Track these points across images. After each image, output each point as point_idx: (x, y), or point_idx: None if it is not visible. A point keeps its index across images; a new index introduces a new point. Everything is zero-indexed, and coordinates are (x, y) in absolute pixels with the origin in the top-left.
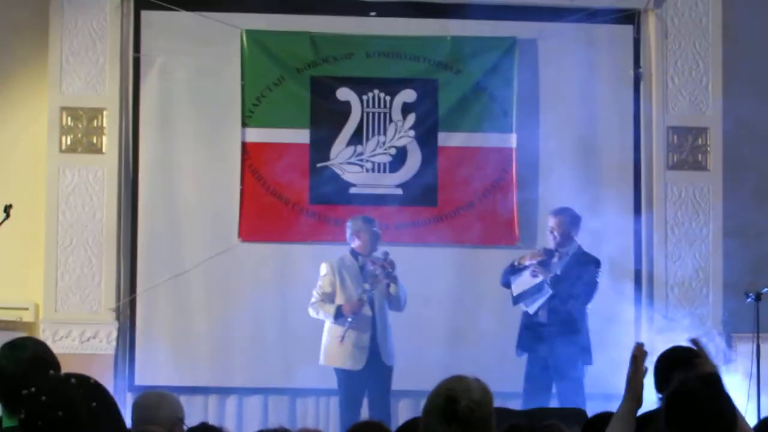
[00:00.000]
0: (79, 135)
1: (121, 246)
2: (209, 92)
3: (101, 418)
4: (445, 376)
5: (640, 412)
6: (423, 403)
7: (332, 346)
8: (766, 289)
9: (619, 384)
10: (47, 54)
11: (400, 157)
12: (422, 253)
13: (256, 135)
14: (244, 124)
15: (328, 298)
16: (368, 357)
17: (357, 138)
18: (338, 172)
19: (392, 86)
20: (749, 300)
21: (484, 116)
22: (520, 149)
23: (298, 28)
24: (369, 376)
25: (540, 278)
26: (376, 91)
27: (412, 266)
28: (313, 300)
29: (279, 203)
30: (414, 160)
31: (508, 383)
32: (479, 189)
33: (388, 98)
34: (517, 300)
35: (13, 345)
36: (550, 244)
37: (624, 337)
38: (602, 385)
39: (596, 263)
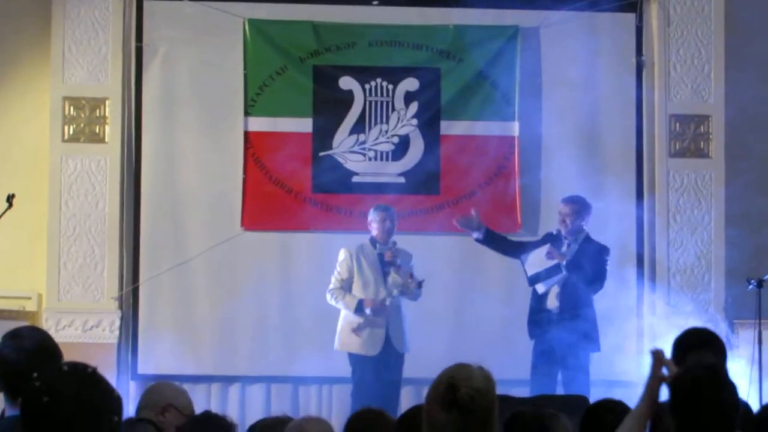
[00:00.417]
0: (82, 124)
1: (123, 235)
2: (212, 81)
3: (89, 405)
4: (448, 364)
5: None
6: (426, 390)
7: (347, 332)
8: (767, 276)
9: (620, 370)
10: (50, 43)
11: (402, 146)
12: (425, 242)
13: (258, 124)
14: (246, 113)
15: (346, 284)
16: (383, 344)
17: (359, 127)
18: (341, 160)
19: (395, 75)
20: (751, 287)
21: (487, 105)
22: (523, 137)
23: (301, 18)
24: (382, 362)
25: (555, 261)
26: (379, 80)
27: (415, 254)
28: (331, 286)
29: (281, 192)
30: (416, 148)
31: (512, 370)
32: (482, 177)
33: (390, 87)
34: (533, 280)
35: (15, 334)
36: (562, 231)
37: (626, 323)
38: (604, 372)
39: (606, 251)
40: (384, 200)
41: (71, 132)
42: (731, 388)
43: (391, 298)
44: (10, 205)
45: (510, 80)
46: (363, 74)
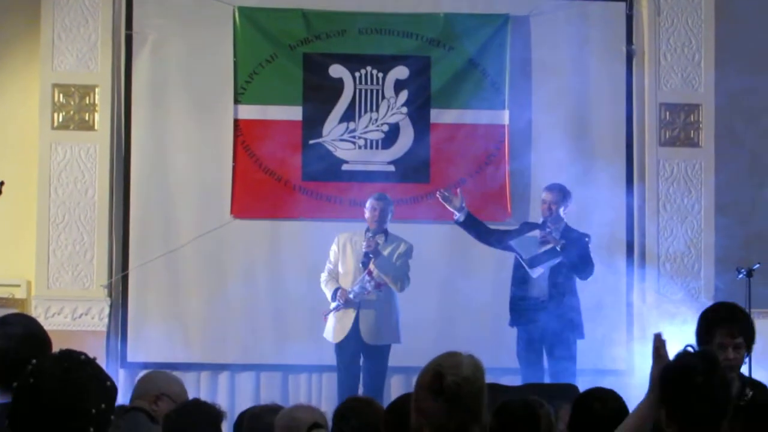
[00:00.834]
0: (71, 112)
1: (113, 223)
2: (201, 69)
3: (73, 388)
4: (437, 352)
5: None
6: (415, 378)
7: (329, 321)
8: (757, 265)
9: (609, 359)
10: (39, 31)
11: (392, 134)
12: (414, 230)
13: (248, 112)
14: (236, 101)
15: (334, 271)
16: (348, 332)
17: (349, 115)
18: (331, 148)
19: (385, 63)
20: (741, 276)
21: (477, 93)
22: (513, 126)
23: (291, 5)
24: (348, 350)
25: (551, 245)
26: (369, 68)
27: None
28: (322, 274)
29: (271, 180)
30: (406, 136)
31: (501, 359)
32: (471, 165)
33: (380, 75)
34: (532, 263)
35: (4, 321)
36: (546, 218)
37: (615, 312)
38: (593, 361)
39: (587, 237)
40: (374, 188)
41: (60, 119)
42: (723, 376)
43: (354, 293)
44: (0, 192)
45: (500, 69)
46: (353, 62)
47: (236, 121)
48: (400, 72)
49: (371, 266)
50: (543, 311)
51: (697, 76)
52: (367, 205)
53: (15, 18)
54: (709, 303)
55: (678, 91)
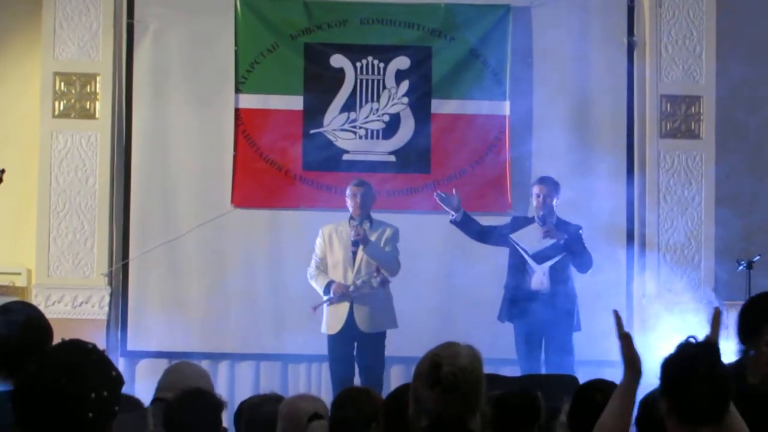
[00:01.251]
0: (73, 100)
1: (113, 211)
2: (203, 58)
3: (72, 375)
4: (436, 343)
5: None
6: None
7: (321, 312)
8: (757, 257)
9: (609, 350)
10: (40, 19)
11: (393, 124)
12: (415, 220)
13: (249, 101)
14: (237, 90)
15: (322, 263)
16: (344, 323)
17: (350, 105)
18: (331, 138)
19: (386, 53)
20: (741, 268)
21: (478, 84)
22: (514, 116)
23: None
24: (344, 341)
25: (553, 240)
26: (370, 58)
27: (405, 233)
28: (309, 269)
29: (272, 169)
30: (407, 127)
31: (500, 350)
32: (472, 156)
33: (381, 65)
34: (540, 259)
35: (5, 309)
36: (538, 212)
37: (615, 303)
38: (593, 352)
39: (581, 228)
40: (374, 178)
41: (62, 108)
42: (724, 367)
43: (355, 286)
44: (0, 180)
45: (501, 59)
46: (354, 52)
47: (237, 111)
48: (401, 62)
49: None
50: (542, 304)
51: (698, 68)
52: (348, 192)
53: (16, 6)
54: (709, 294)
55: (679, 82)
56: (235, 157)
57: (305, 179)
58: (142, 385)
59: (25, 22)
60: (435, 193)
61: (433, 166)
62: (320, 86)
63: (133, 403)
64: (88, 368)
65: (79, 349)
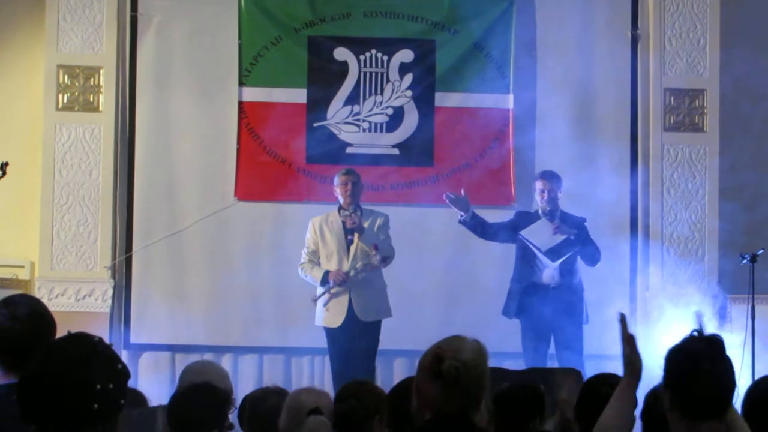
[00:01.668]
0: (76, 93)
1: (117, 204)
2: (206, 51)
3: (78, 363)
4: (440, 336)
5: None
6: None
7: (318, 306)
8: (761, 251)
9: (612, 343)
10: (44, 12)
11: (396, 117)
12: (418, 213)
13: (252, 94)
14: (241, 84)
15: (314, 256)
16: (346, 314)
17: (354, 98)
18: (335, 131)
19: (390, 46)
20: (745, 261)
21: (482, 77)
22: (517, 109)
23: None
24: (347, 333)
25: (564, 236)
26: (374, 51)
27: (408, 226)
28: (301, 261)
29: (275, 162)
30: (411, 120)
31: (505, 343)
32: (476, 149)
33: (385, 58)
34: (552, 256)
35: (9, 302)
36: (545, 207)
37: (619, 296)
38: (595, 345)
39: (585, 219)
40: (378, 171)
41: (65, 100)
42: (728, 362)
43: (356, 270)
44: (4, 173)
45: (505, 52)
46: (358, 45)
47: (241, 104)
48: (405, 55)
49: (374, 242)
50: (551, 298)
51: (702, 61)
52: (337, 181)
53: None
54: (714, 288)
55: (683, 76)
56: (238, 150)
57: (309, 172)
58: (146, 378)
59: (28, 15)
60: (445, 195)
61: (436, 159)
62: (324, 79)
63: (138, 397)
64: (93, 359)
65: (84, 341)
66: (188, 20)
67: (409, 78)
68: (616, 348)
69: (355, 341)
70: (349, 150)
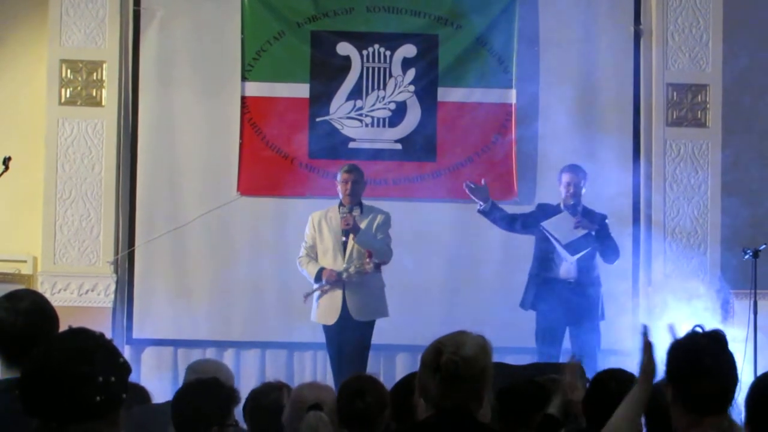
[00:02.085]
0: (79, 88)
1: (119, 199)
2: (209, 46)
3: (81, 356)
4: (443, 331)
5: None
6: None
7: (312, 302)
8: (764, 246)
9: (615, 339)
10: (47, 6)
11: (399, 112)
12: (421, 208)
13: (255, 89)
14: (243, 78)
15: (312, 251)
16: (340, 312)
17: (357, 93)
18: (337, 126)
19: (392, 41)
20: (747, 257)
21: (484, 72)
22: (520, 104)
23: None
24: (341, 331)
25: (585, 231)
26: (377, 46)
27: (411, 221)
28: (299, 255)
29: (278, 157)
30: (413, 115)
31: (509, 338)
32: (478, 144)
33: (388, 53)
34: (572, 250)
35: (11, 297)
36: (569, 201)
37: (621, 291)
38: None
39: (606, 217)
40: (380, 166)
41: (68, 95)
42: (731, 357)
43: (348, 273)
44: (7, 167)
45: (508, 47)
46: (360, 40)
47: (243, 98)
48: (408, 50)
49: (369, 249)
50: (569, 292)
51: (704, 57)
52: (339, 178)
53: None
54: (715, 282)
55: (685, 71)
56: (241, 145)
57: (311, 167)
58: (148, 373)
59: (31, 10)
60: (464, 183)
61: (439, 155)
62: (326, 74)
63: (141, 392)
64: (95, 352)
65: (86, 334)
66: (191, 15)
67: (411, 73)
68: (617, 343)
69: (347, 339)
70: (351, 145)
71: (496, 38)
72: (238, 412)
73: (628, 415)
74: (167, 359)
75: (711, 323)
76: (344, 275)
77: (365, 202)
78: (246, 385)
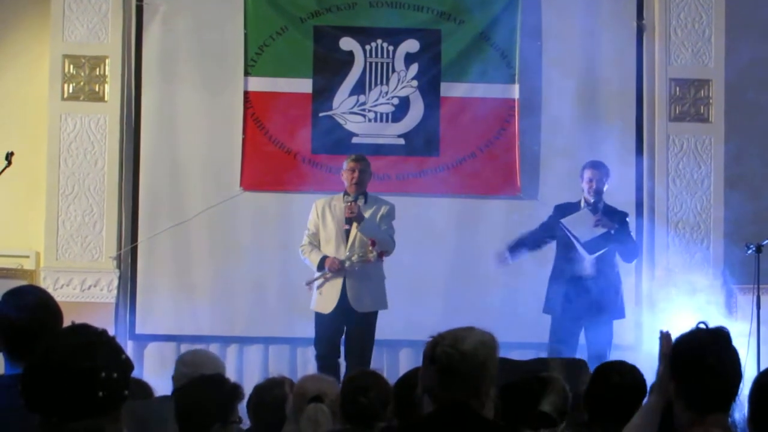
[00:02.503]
0: (82, 83)
1: (122, 194)
2: (212, 41)
3: (84, 351)
4: (445, 326)
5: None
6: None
7: (314, 290)
8: (767, 241)
9: (617, 333)
10: (50, 1)
11: (402, 108)
12: (424, 203)
13: (258, 84)
14: (246, 73)
15: (314, 238)
16: (337, 302)
17: (359, 88)
18: (340, 121)
19: (395, 36)
20: (750, 251)
21: (487, 67)
22: (523, 100)
23: None
24: (337, 320)
25: (605, 229)
26: (379, 41)
27: (414, 216)
28: (302, 243)
29: (281, 152)
30: (416, 110)
31: (512, 333)
32: (481, 140)
33: (391, 48)
34: (590, 249)
35: (16, 293)
36: (590, 198)
37: (625, 286)
38: None
39: (627, 215)
40: (383, 161)
41: (71, 90)
42: (734, 354)
43: (351, 262)
44: (9, 163)
45: (510, 43)
46: (363, 35)
47: (246, 93)
48: (411, 45)
49: (373, 237)
50: (587, 290)
51: (707, 52)
52: (345, 166)
53: None
54: (719, 277)
55: (688, 66)
56: (244, 140)
57: (314, 162)
58: (151, 368)
59: (34, 5)
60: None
61: (442, 150)
62: (329, 69)
63: (144, 387)
64: (97, 348)
65: (88, 330)
66: (194, 10)
67: (414, 68)
68: (620, 338)
69: (342, 331)
70: (354, 140)
71: (498, 33)
72: (242, 407)
73: (644, 423)
74: (170, 355)
75: (714, 317)
76: (347, 264)
77: (370, 193)
78: (249, 380)
